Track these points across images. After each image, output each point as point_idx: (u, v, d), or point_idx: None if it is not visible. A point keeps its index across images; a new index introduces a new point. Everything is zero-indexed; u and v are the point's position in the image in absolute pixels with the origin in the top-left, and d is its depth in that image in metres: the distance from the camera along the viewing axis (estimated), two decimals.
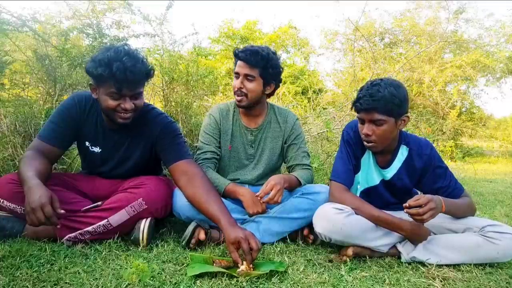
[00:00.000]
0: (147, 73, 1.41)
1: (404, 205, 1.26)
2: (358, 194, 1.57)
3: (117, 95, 1.36)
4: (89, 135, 1.55)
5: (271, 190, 1.48)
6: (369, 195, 1.56)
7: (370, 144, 1.43)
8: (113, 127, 1.54)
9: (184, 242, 1.42)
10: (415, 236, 1.36)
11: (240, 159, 1.80)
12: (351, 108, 1.44)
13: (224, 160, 1.80)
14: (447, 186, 1.47)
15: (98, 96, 1.41)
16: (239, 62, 1.67)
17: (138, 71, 1.34)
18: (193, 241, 1.43)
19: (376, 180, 1.56)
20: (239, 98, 1.69)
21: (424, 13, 8.03)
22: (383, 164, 1.53)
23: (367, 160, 1.56)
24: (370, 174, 1.56)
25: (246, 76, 1.65)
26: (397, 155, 1.50)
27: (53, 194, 1.21)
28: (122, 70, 1.30)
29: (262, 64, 1.64)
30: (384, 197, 1.57)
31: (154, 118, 1.58)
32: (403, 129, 1.51)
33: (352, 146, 1.53)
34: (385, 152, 1.50)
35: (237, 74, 1.68)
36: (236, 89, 1.68)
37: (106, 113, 1.46)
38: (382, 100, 1.32)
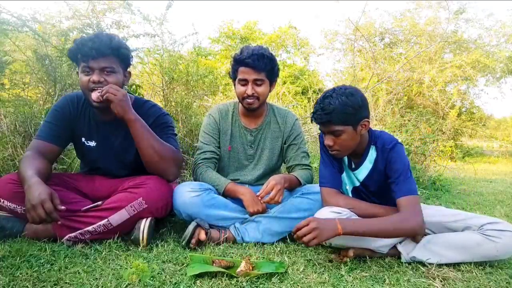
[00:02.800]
0: (114, 48, 1.43)
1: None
2: (350, 194, 1.58)
3: (87, 68, 1.41)
4: (83, 130, 1.58)
5: (272, 190, 1.48)
6: (359, 193, 1.57)
7: (334, 153, 1.44)
8: (105, 119, 1.55)
9: (184, 242, 1.42)
10: None
11: (240, 159, 1.80)
12: (311, 121, 1.44)
13: (223, 161, 1.80)
14: (393, 184, 1.38)
15: (79, 78, 1.45)
16: (243, 68, 1.63)
17: (99, 41, 1.39)
18: (193, 241, 1.43)
19: (356, 181, 1.56)
20: (251, 101, 1.66)
21: (424, 13, 8.03)
22: (354, 167, 1.53)
23: (344, 162, 1.57)
24: (350, 175, 1.57)
25: (255, 81, 1.64)
26: (367, 156, 1.49)
27: (53, 191, 1.22)
28: (85, 41, 1.39)
29: (269, 67, 1.64)
30: (368, 197, 1.56)
31: (148, 110, 1.61)
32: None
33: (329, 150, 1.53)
34: (355, 155, 1.50)
35: (245, 81, 1.65)
36: (246, 95, 1.65)
37: (84, 95, 1.49)
38: (334, 112, 1.31)
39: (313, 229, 1.21)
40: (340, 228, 1.23)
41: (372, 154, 1.49)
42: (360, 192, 1.57)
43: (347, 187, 1.59)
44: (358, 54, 7.12)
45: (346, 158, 1.55)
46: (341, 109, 1.31)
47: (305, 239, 1.20)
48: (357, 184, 1.55)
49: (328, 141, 1.40)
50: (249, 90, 1.64)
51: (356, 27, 4.21)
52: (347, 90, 1.35)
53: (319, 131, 1.50)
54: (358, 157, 1.51)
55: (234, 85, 1.73)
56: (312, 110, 1.42)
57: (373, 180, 1.50)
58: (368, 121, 1.40)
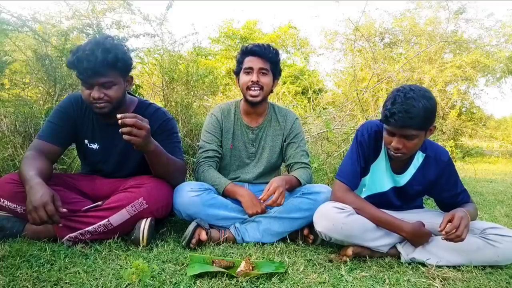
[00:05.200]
0: (110, 63, 1.38)
1: (439, 230, 1.27)
2: (362, 197, 1.56)
3: (87, 84, 1.39)
4: (87, 132, 1.56)
5: (274, 193, 1.48)
6: (374, 198, 1.54)
7: (398, 155, 1.38)
8: (109, 121, 1.54)
9: (184, 242, 1.42)
10: (416, 237, 1.36)
11: (242, 157, 1.81)
12: (381, 120, 1.36)
13: (225, 159, 1.80)
14: (458, 194, 1.47)
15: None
16: (250, 58, 1.67)
17: (95, 59, 1.34)
18: (193, 241, 1.43)
19: (385, 186, 1.52)
20: (255, 92, 1.67)
21: (424, 13, 8.03)
22: (398, 170, 1.50)
23: (380, 165, 1.51)
24: (380, 179, 1.53)
25: (260, 70, 1.66)
26: (413, 161, 1.47)
27: (55, 193, 1.21)
28: (80, 58, 1.33)
29: (275, 58, 1.68)
30: (391, 201, 1.55)
31: (153, 113, 1.59)
32: None
33: (365, 149, 1.49)
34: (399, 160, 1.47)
35: (250, 69, 1.67)
36: (251, 83, 1.66)
37: (87, 105, 1.47)
38: (418, 117, 1.24)
39: (466, 226, 1.27)
40: (469, 217, 1.32)
41: (418, 159, 1.47)
42: (378, 199, 1.53)
43: (364, 189, 1.56)
44: (358, 54, 7.12)
45: (384, 162, 1.50)
46: (424, 113, 1.25)
47: (464, 235, 1.26)
48: (386, 189, 1.52)
49: (398, 143, 1.32)
50: (254, 77, 1.66)
51: (356, 27, 4.20)
52: (426, 93, 1.28)
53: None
54: (402, 162, 1.47)
55: (238, 81, 1.74)
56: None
57: (414, 185, 1.49)
58: (435, 126, 1.37)
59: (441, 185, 1.47)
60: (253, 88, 1.67)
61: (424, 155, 1.46)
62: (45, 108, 2.47)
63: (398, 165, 1.49)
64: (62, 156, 2.01)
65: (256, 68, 1.66)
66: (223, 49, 12.53)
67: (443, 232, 1.26)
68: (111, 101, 1.43)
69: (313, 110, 4.11)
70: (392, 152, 1.38)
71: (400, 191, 1.52)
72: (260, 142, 1.81)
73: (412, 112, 1.24)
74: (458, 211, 1.31)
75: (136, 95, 1.81)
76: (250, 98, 1.69)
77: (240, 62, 1.72)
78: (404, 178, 1.49)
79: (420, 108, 1.24)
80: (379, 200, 1.52)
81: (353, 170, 1.48)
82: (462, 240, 1.26)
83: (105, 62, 1.36)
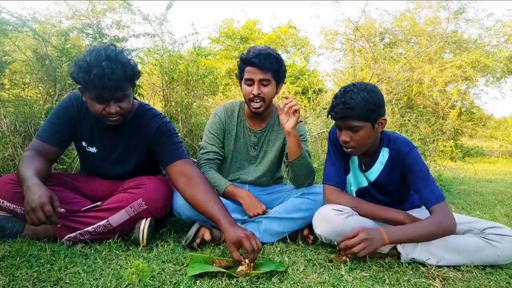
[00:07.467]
0: (129, 77, 1.37)
1: (337, 245, 1.29)
2: (354, 195, 1.58)
3: (101, 99, 1.34)
4: (85, 135, 1.55)
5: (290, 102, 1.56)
6: (363, 195, 1.56)
7: (349, 150, 1.42)
8: (108, 127, 1.53)
9: (186, 242, 1.42)
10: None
11: (242, 160, 1.80)
12: (327, 116, 1.43)
13: (226, 160, 1.79)
14: (422, 192, 1.38)
15: (86, 100, 1.39)
16: (250, 68, 1.61)
17: (116, 78, 1.29)
18: (197, 240, 1.44)
19: (364, 181, 1.55)
20: (257, 105, 1.64)
21: (424, 13, 8.05)
22: (365, 167, 1.52)
23: (353, 162, 1.56)
24: (358, 175, 1.56)
25: (261, 81, 1.61)
26: (378, 157, 1.48)
27: (53, 193, 1.21)
28: (100, 76, 1.26)
29: (276, 67, 1.62)
30: (377, 197, 1.55)
31: (151, 119, 1.56)
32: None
33: (339, 148, 1.51)
34: (366, 155, 1.49)
35: (251, 81, 1.62)
36: (252, 96, 1.62)
37: (95, 117, 1.44)
38: (357, 107, 1.30)
39: (363, 240, 1.25)
40: (386, 238, 1.28)
41: (383, 155, 1.48)
42: (365, 193, 1.56)
43: (352, 188, 1.58)
44: (358, 54, 7.13)
45: (356, 159, 1.54)
46: (363, 104, 1.31)
47: (356, 249, 1.24)
48: (365, 184, 1.54)
49: (345, 136, 1.38)
50: (255, 90, 1.61)
51: (356, 27, 4.21)
52: (368, 86, 1.35)
53: (327, 129, 1.50)
54: (368, 158, 1.50)
55: (241, 85, 1.71)
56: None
57: (384, 181, 1.50)
58: (385, 120, 1.40)
59: (409, 180, 1.42)
60: (255, 100, 1.64)
61: (389, 149, 1.47)
62: (45, 108, 2.47)
63: (365, 162, 1.52)
64: (62, 156, 2.01)
65: (257, 80, 1.61)
66: (223, 49, 12.52)
67: (342, 245, 1.27)
68: (126, 113, 1.43)
69: (313, 110, 4.11)
70: (344, 149, 1.43)
71: (378, 186, 1.53)
72: (262, 146, 1.80)
73: (350, 103, 1.31)
74: (370, 227, 1.31)
75: (136, 95, 1.81)
76: (253, 110, 1.67)
77: (241, 70, 1.67)
78: (372, 175, 1.50)
79: (358, 100, 1.30)
80: (367, 196, 1.55)
81: (337, 171, 1.51)
82: (354, 254, 1.26)
83: (126, 78, 1.34)
